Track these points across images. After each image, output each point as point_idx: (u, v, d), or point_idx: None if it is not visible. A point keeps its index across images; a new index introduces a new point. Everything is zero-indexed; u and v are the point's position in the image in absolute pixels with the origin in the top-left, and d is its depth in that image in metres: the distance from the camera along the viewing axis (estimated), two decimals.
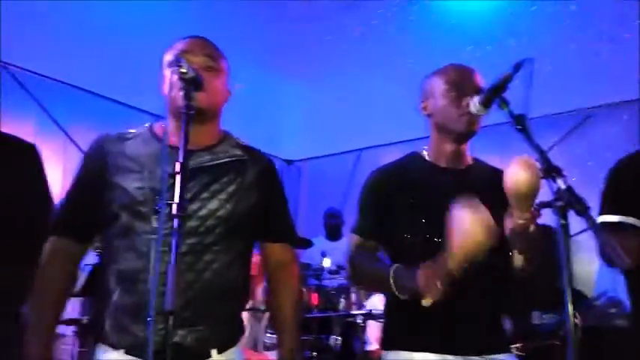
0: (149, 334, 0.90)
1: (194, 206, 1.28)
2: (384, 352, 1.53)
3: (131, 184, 1.32)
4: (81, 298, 3.37)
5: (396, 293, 1.37)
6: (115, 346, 1.28)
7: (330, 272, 4.05)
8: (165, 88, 1.39)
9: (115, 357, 1.28)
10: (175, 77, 1.32)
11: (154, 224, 1.27)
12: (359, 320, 2.56)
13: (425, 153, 1.62)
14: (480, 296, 1.46)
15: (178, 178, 0.96)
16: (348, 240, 1.61)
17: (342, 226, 5.05)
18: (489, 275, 1.43)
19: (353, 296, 3.73)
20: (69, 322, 3.33)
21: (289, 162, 6.45)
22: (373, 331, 3.05)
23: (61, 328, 3.40)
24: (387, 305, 1.61)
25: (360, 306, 3.84)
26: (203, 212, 1.31)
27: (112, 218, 1.32)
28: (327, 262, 4.08)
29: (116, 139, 1.41)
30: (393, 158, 1.68)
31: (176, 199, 0.94)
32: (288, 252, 1.52)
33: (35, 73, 4.32)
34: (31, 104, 4.35)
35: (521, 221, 1.25)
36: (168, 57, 1.41)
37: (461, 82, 1.51)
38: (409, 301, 1.34)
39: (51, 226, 1.42)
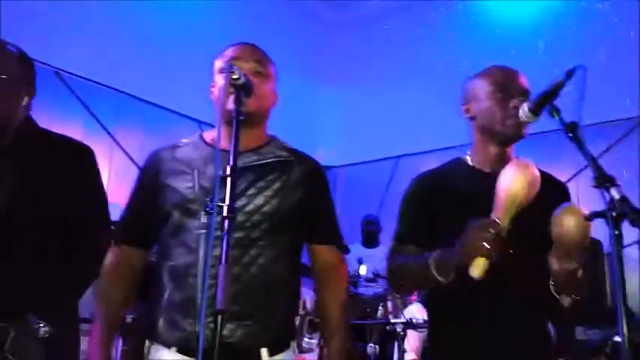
0: (200, 328, 0.92)
1: (241, 202, 1.32)
2: None
3: (182, 184, 1.38)
4: None
5: (439, 278, 1.31)
6: (167, 344, 1.31)
7: (367, 280, 4.02)
8: (216, 94, 1.45)
9: (167, 357, 1.31)
10: (226, 83, 1.38)
11: (204, 220, 1.31)
12: (398, 329, 2.53)
13: (468, 158, 1.59)
14: (524, 309, 1.42)
15: (229, 180, 0.99)
16: (389, 248, 1.59)
17: (379, 234, 5.02)
18: (533, 288, 1.39)
19: (390, 304, 3.69)
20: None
21: (326, 168, 6.47)
22: (411, 341, 3.01)
23: None
24: (431, 317, 1.60)
25: (397, 315, 3.80)
26: (249, 208, 1.34)
27: (165, 218, 1.38)
28: (363, 270, 4.04)
29: (169, 148, 1.48)
30: (431, 165, 1.66)
31: (227, 200, 0.96)
32: (335, 254, 1.52)
33: (83, 78, 4.48)
34: (80, 108, 4.52)
35: (567, 268, 1.22)
36: (219, 64, 1.46)
37: (506, 83, 1.48)
38: (452, 314, 1.31)
39: (113, 234, 1.49)
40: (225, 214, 0.94)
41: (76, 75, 4.37)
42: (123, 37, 4.66)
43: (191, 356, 1.27)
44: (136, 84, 4.83)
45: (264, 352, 1.32)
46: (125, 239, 1.47)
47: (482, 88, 1.52)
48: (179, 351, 1.30)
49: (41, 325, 1.39)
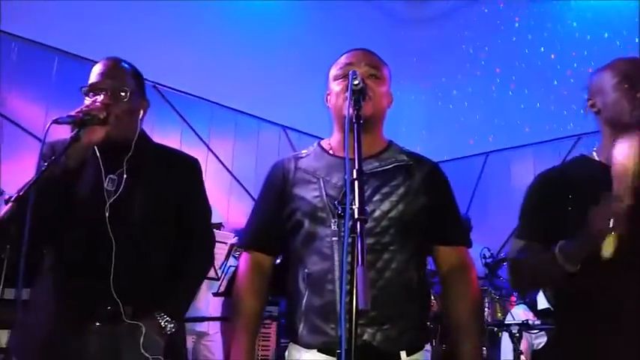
0: (341, 332, 0.93)
1: (368, 209, 1.32)
2: None
3: (309, 193, 1.41)
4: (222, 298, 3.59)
5: (567, 267, 1.28)
6: (308, 346, 1.35)
7: None
8: (333, 102, 1.48)
9: (309, 357, 1.35)
10: (340, 89, 1.42)
11: (334, 227, 1.34)
12: (514, 330, 2.44)
13: (594, 154, 1.52)
14: None
15: (357, 183, 1.00)
16: (510, 245, 1.54)
17: (470, 232, 4.87)
18: None
19: (487, 306, 3.58)
20: (210, 319, 3.61)
21: None
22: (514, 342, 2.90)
23: (204, 326, 3.68)
24: (556, 319, 1.55)
25: (493, 316, 3.67)
26: (377, 214, 1.35)
27: (295, 226, 1.42)
28: None
29: (292, 159, 1.52)
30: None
31: (357, 203, 0.97)
32: (463, 255, 1.48)
33: (180, 91, 4.75)
34: (177, 119, 4.80)
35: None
36: (334, 71, 1.49)
37: (633, 74, 1.43)
38: (577, 313, 1.25)
39: (241, 242, 1.56)
40: (356, 215, 0.95)
41: (173, 88, 4.64)
42: (214, 50, 4.90)
43: (332, 356, 1.31)
44: (226, 94, 5.06)
45: (403, 354, 1.33)
46: (255, 246, 1.51)
47: (607, 80, 1.47)
48: (320, 351, 1.34)
49: (168, 322, 1.50)
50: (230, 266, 3.19)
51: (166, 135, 4.31)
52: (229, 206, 4.85)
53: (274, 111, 5.49)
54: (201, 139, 4.91)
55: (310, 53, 5.76)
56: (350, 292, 0.92)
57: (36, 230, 1.19)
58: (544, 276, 1.45)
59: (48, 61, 4.21)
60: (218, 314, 3.71)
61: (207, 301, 3.64)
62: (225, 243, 3.28)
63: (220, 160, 4.96)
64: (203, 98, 5.00)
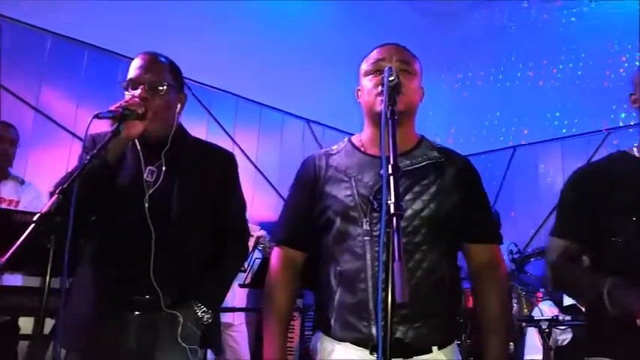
0: (377, 328, 0.95)
1: None
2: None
3: (341, 192, 1.41)
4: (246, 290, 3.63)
5: (610, 310, 1.31)
6: (341, 340, 1.37)
7: None
8: (363, 97, 1.47)
9: (341, 348, 1.37)
10: (372, 84, 1.42)
11: (366, 227, 1.35)
12: (544, 326, 2.43)
13: (634, 149, 1.50)
14: None
15: (392, 179, 1.00)
16: (549, 243, 1.53)
17: (499, 227, 4.83)
18: None
19: (514, 300, 3.54)
20: (236, 310, 3.66)
21: None
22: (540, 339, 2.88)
23: (229, 316, 3.73)
24: (589, 314, 1.55)
25: (520, 312, 3.64)
26: (409, 213, 1.35)
27: (326, 224, 1.43)
28: None
29: (323, 156, 1.52)
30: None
31: (392, 198, 0.98)
32: (494, 253, 1.47)
33: (206, 84, 4.78)
34: (203, 113, 4.84)
35: None
36: (365, 66, 1.48)
37: None
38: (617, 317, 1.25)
39: (274, 237, 1.57)
40: (392, 211, 0.95)
41: (199, 82, 4.68)
42: (239, 45, 4.93)
43: (365, 348, 1.33)
44: (250, 87, 5.09)
45: (434, 348, 1.34)
46: (288, 242, 1.52)
47: None
48: (352, 343, 1.35)
49: (205, 312, 1.54)
50: (256, 259, 3.22)
51: (192, 128, 4.26)
52: (253, 199, 4.89)
53: (298, 104, 5.50)
54: (226, 132, 4.96)
55: (333, 47, 5.75)
56: (385, 289, 0.94)
57: (78, 221, 1.23)
58: (586, 300, 1.45)
59: (78, 55, 4.28)
60: (243, 305, 3.77)
61: (234, 293, 3.69)
62: (252, 235, 3.32)
63: (245, 153, 5.00)
64: (228, 92, 5.03)
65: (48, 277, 1.23)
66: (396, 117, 1.14)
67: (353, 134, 1.55)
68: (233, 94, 5.07)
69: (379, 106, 1.34)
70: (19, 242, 1.13)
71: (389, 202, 0.99)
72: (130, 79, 1.56)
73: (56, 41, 4.17)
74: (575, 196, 1.50)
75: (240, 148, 4.97)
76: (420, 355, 1.32)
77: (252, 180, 5.02)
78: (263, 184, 5.17)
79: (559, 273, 1.48)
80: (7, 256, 1.11)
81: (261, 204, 4.88)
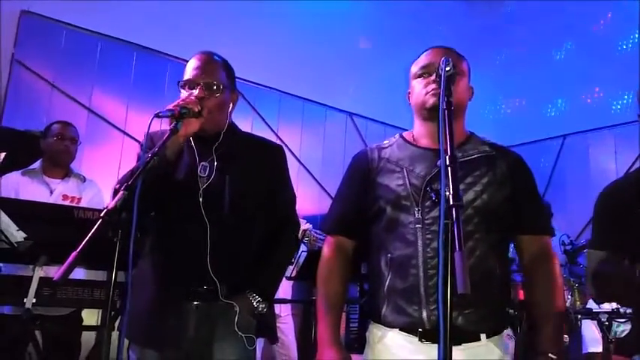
0: (440, 313, 0.96)
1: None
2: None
3: (393, 182, 1.45)
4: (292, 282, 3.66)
5: None
6: (391, 326, 1.40)
7: None
8: (414, 98, 1.52)
9: (391, 335, 1.40)
10: (422, 86, 1.46)
11: (417, 215, 1.38)
12: (603, 319, 2.37)
13: None
14: None
15: (450, 169, 1.01)
16: (587, 257, 1.50)
17: (551, 218, 4.70)
18: None
19: (566, 294, 3.45)
20: (284, 301, 3.70)
21: None
22: (596, 331, 2.80)
23: (276, 308, 3.78)
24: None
25: (573, 304, 3.54)
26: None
27: (377, 213, 1.47)
28: None
29: (375, 149, 1.57)
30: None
31: (451, 189, 0.98)
32: (546, 245, 1.47)
33: (250, 81, 4.85)
34: (248, 109, 4.92)
35: None
36: (415, 69, 1.53)
37: None
38: None
39: (325, 227, 1.61)
40: (451, 202, 0.96)
41: (243, 79, 4.75)
42: (281, 42, 4.98)
43: (414, 335, 1.35)
44: (293, 83, 5.13)
45: (482, 336, 1.35)
46: (339, 231, 1.57)
47: None
48: (402, 330, 1.38)
49: (260, 302, 1.58)
50: (302, 251, 3.26)
51: (238, 124, 4.40)
52: (297, 193, 4.95)
53: (340, 98, 5.51)
54: (270, 127, 5.02)
55: (374, 41, 5.72)
56: (433, 277, 0.92)
57: (141, 216, 1.29)
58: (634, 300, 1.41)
59: (127, 56, 4.42)
60: (288, 297, 3.82)
61: (280, 285, 3.73)
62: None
63: (289, 148, 5.04)
64: (272, 88, 5.09)
65: (114, 271, 1.28)
66: (452, 107, 1.14)
67: (395, 126, 1.58)
68: (276, 89, 5.13)
69: (431, 101, 1.40)
70: (88, 236, 1.18)
71: (447, 193, 0.99)
72: (188, 80, 1.61)
73: (107, 44, 4.33)
74: (609, 206, 1.49)
75: (284, 143, 5.02)
76: (468, 342, 1.33)
77: (296, 174, 5.07)
78: (306, 178, 5.21)
79: (603, 281, 1.47)
80: (78, 250, 1.17)
81: (304, 197, 4.92)
